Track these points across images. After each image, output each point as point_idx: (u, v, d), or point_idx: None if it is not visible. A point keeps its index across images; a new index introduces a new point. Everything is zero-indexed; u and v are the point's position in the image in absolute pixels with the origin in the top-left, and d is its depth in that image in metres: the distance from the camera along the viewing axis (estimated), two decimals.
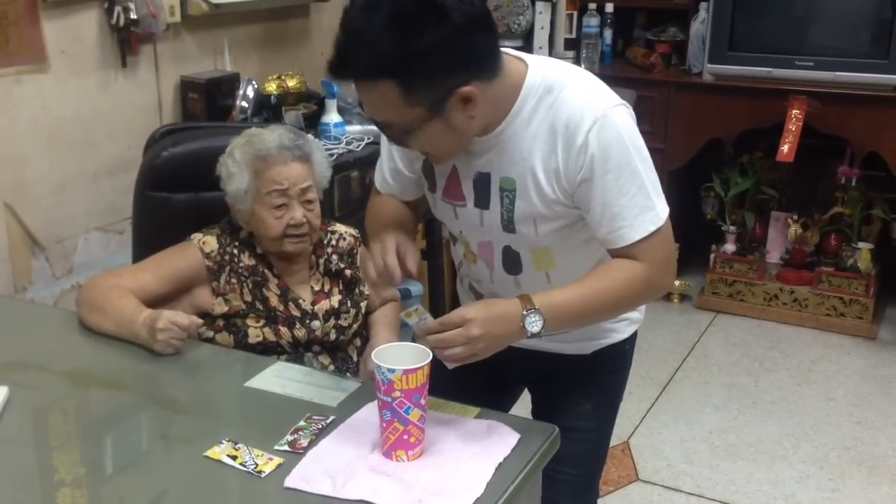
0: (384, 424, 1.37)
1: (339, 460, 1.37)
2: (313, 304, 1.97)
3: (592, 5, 3.99)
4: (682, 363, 3.59)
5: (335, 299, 2.00)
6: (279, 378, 1.64)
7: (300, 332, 1.93)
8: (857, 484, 2.83)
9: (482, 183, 1.54)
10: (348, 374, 1.96)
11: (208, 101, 2.83)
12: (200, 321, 1.79)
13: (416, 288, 3.41)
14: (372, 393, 1.42)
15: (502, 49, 1.45)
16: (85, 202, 2.64)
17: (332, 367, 1.97)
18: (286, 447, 1.41)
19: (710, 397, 3.34)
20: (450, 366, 1.43)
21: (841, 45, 3.69)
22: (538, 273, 1.59)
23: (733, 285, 4.04)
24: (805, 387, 3.42)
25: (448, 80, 1.35)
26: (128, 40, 2.66)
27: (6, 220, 2.43)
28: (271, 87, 2.95)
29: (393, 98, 1.35)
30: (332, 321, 1.97)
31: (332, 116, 2.93)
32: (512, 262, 1.60)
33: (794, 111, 3.62)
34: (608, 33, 4.13)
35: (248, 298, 1.92)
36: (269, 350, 1.91)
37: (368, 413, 1.48)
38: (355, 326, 2.03)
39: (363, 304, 2.05)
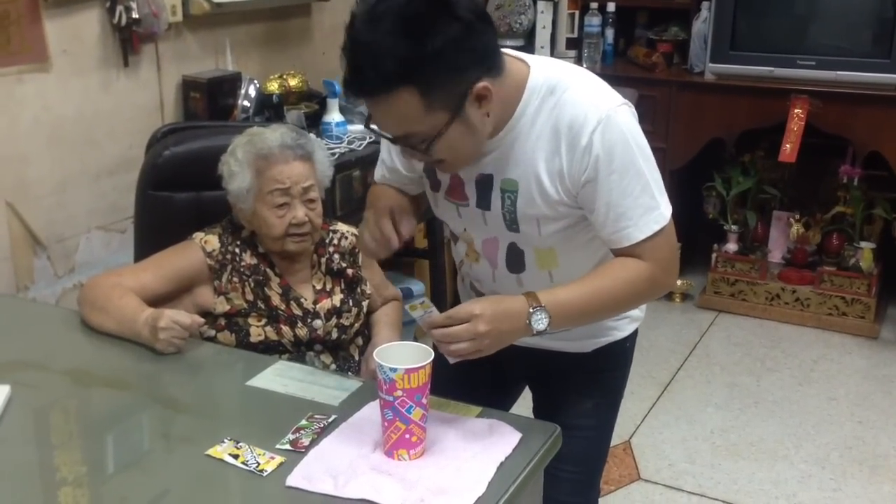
0: (386, 423, 1.37)
1: (340, 459, 1.37)
2: (315, 303, 1.97)
3: (594, 4, 4.00)
4: (683, 362, 3.59)
5: (337, 298, 2.00)
6: (281, 377, 1.64)
7: (302, 332, 1.93)
8: (859, 483, 2.82)
9: (484, 184, 1.54)
10: (350, 373, 1.96)
11: (210, 101, 2.83)
12: (202, 320, 1.80)
13: (418, 287, 3.41)
14: (374, 392, 1.41)
15: (503, 50, 1.45)
16: (87, 201, 2.64)
17: (333, 367, 1.96)
18: (288, 446, 1.41)
19: (711, 397, 3.33)
20: (451, 360, 1.43)
21: (843, 44, 3.69)
22: (541, 272, 1.59)
23: (735, 285, 4.04)
24: (807, 386, 3.41)
25: (463, 79, 1.35)
26: (129, 40, 2.66)
27: (8, 220, 2.43)
28: (273, 87, 2.95)
29: (413, 105, 1.34)
30: (333, 320, 1.97)
31: (333, 115, 2.94)
32: (516, 260, 1.60)
33: (795, 110, 3.61)
34: (610, 32, 4.12)
35: (250, 297, 1.92)
36: (270, 349, 1.90)
37: (370, 412, 1.48)
38: (357, 325, 2.03)
39: (365, 304, 2.05)
